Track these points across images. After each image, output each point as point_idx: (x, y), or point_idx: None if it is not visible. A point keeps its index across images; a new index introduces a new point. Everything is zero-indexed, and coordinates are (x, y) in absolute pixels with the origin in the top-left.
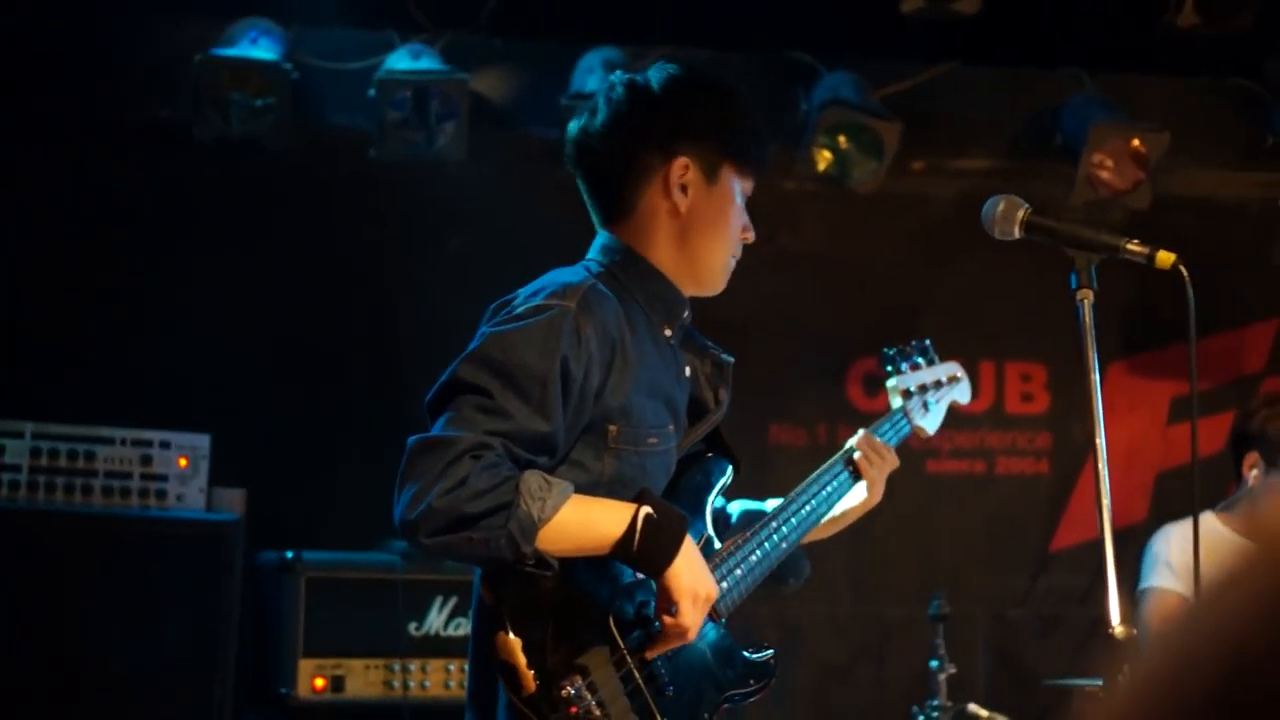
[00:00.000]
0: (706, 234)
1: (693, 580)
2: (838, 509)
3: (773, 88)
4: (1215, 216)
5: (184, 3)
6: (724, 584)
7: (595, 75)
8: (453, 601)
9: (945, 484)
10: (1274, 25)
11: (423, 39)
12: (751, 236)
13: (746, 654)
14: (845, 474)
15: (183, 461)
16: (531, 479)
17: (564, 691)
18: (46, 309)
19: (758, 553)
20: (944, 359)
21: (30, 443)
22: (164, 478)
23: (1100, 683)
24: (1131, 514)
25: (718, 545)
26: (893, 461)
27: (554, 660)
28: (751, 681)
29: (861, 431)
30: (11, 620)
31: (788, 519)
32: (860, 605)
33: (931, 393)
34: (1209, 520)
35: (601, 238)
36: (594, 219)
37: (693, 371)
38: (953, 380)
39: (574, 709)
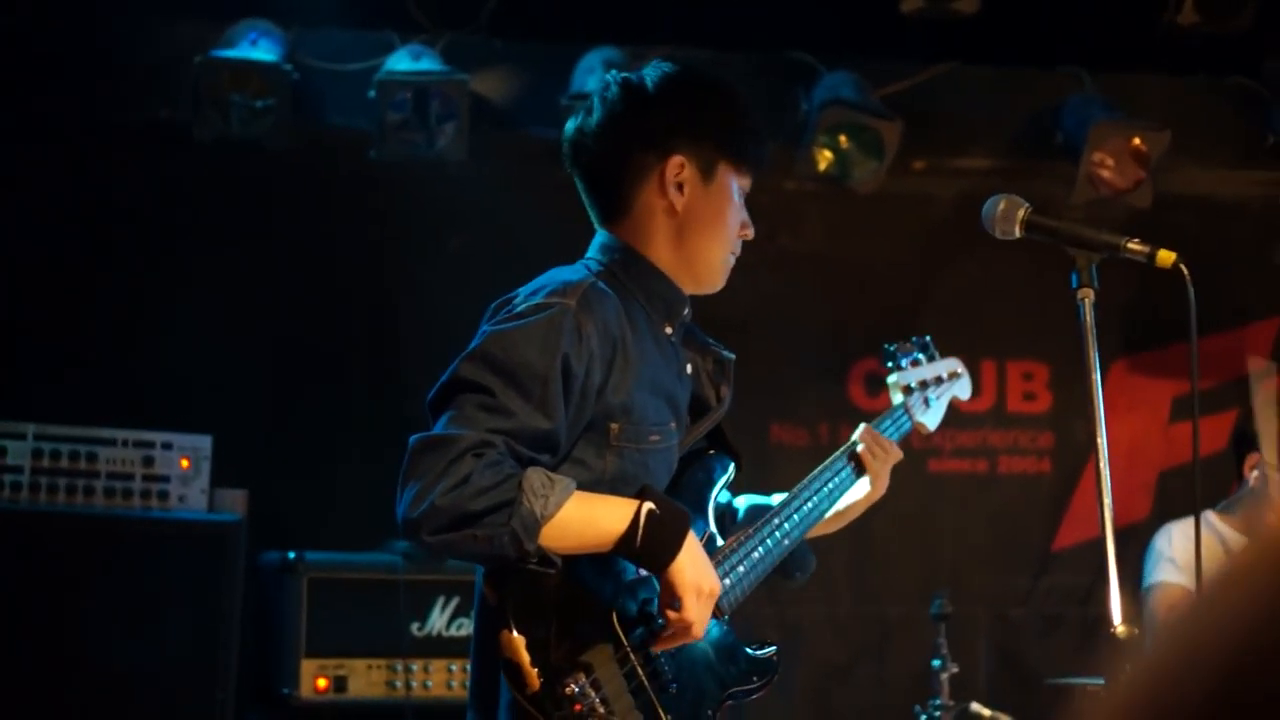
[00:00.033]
0: (704, 232)
1: (696, 575)
2: (841, 503)
3: (773, 88)
4: (1215, 215)
5: (184, 3)
6: (727, 580)
7: (595, 76)
8: (455, 602)
9: (947, 483)
10: (1274, 24)
11: (423, 40)
12: (751, 233)
13: (749, 651)
14: (848, 469)
15: (184, 462)
16: (534, 476)
17: (568, 689)
18: (47, 309)
19: (760, 549)
20: (944, 355)
21: (32, 444)
22: (166, 479)
23: (1102, 682)
24: (1134, 513)
25: (720, 542)
26: (896, 454)
27: (557, 657)
28: (754, 678)
29: (864, 426)
30: (13, 621)
31: (790, 515)
32: (862, 605)
33: (932, 389)
34: (1210, 520)
35: (600, 237)
36: (592, 218)
37: (694, 369)
38: (953, 376)
39: (578, 706)
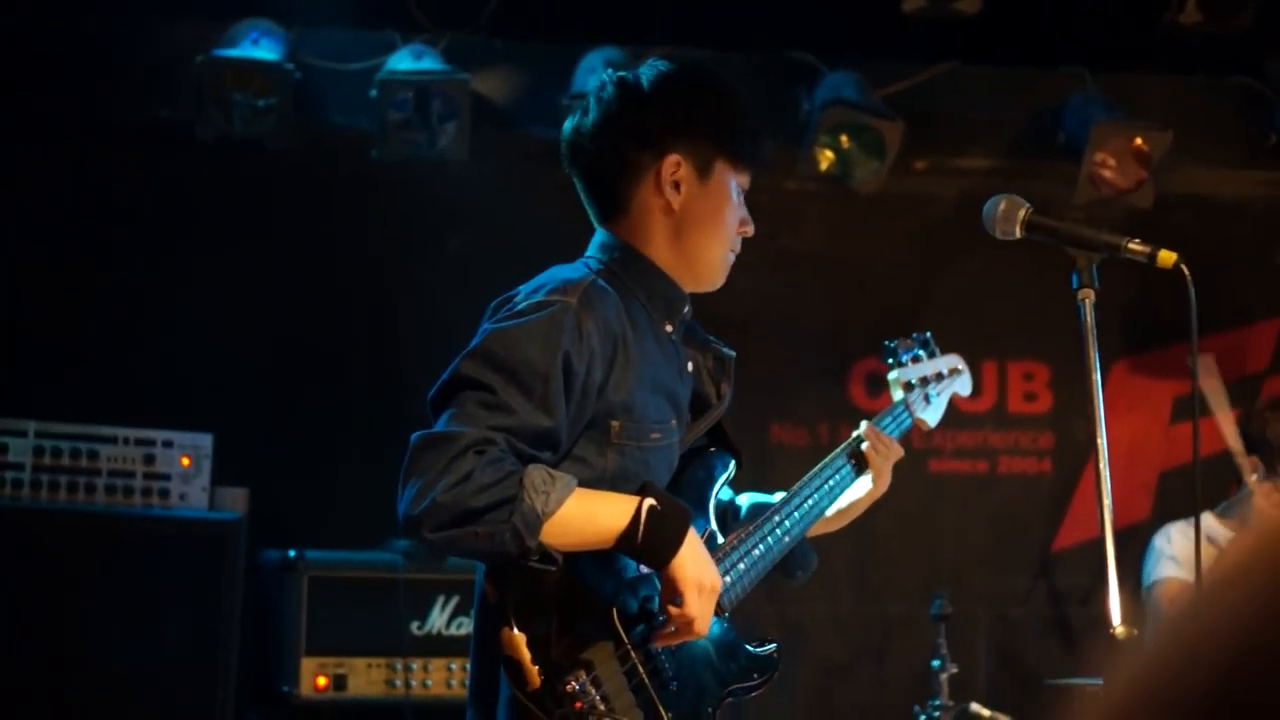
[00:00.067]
0: (702, 230)
1: (697, 571)
2: (843, 501)
3: (773, 88)
4: (1217, 215)
5: (185, 3)
6: (727, 578)
7: (597, 76)
8: (454, 601)
9: (948, 483)
10: (1276, 24)
11: (424, 39)
12: (751, 230)
13: (749, 648)
14: (848, 468)
15: (185, 461)
16: (535, 473)
17: (568, 686)
18: (48, 309)
19: (760, 547)
20: (945, 352)
21: (33, 441)
22: (167, 477)
23: (1101, 683)
24: (1134, 513)
25: (720, 540)
26: (898, 451)
27: (558, 655)
28: (755, 675)
29: (865, 423)
30: (13, 619)
31: (790, 513)
32: (862, 604)
33: (933, 385)
34: (1208, 522)
35: (599, 235)
36: (591, 217)
37: (695, 366)
38: (954, 373)
39: (578, 703)
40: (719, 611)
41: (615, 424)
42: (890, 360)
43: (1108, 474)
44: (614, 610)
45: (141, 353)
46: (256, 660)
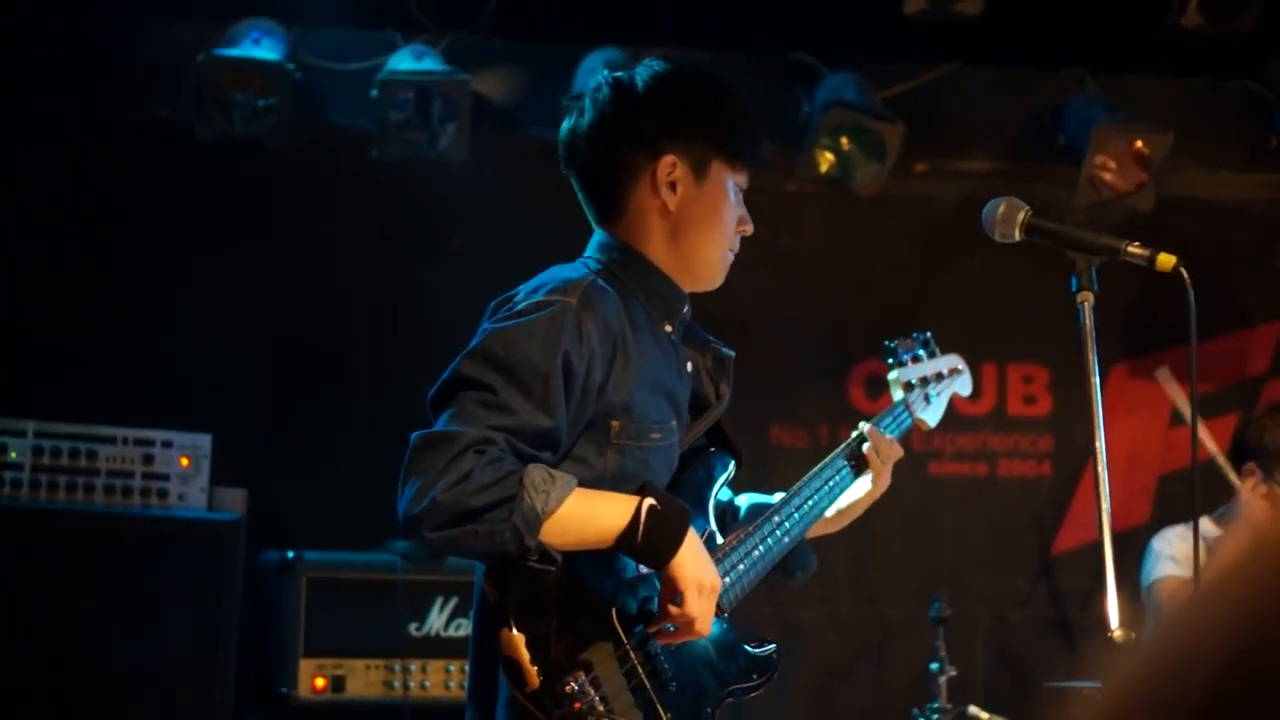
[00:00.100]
0: (699, 231)
1: (697, 570)
2: (843, 501)
3: (774, 89)
4: (1217, 218)
5: (185, 3)
6: (727, 578)
7: (597, 76)
8: (453, 602)
9: (947, 486)
10: (1277, 26)
11: (424, 40)
12: (750, 229)
13: (749, 649)
14: (847, 468)
15: (184, 461)
16: (535, 473)
17: (568, 687)
18: (47, 309)
19: (760, 548)
20: (945, 352)
21: (32, 441)
22: (165, 477)
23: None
24: (1134, 516)
25: (720, 540)
26: (897, 451)
27: (557, 655)
28: (754, 676)
29: (865, 423)
30: (12, 620)
31: (790, 514)
32: (861, 606)
33: (933, 385)
34: (1206, 526)
35: (598, 236)
36: (589, 218)
37: (694, 366)
38: (954, 373)
39: (578, 704)
40: (718, 612)
41: (615, 424)
42: (890, 360)
43: (1106, 477)
44: (613, 610)
45: (141, 353)
46: (255, 661)
